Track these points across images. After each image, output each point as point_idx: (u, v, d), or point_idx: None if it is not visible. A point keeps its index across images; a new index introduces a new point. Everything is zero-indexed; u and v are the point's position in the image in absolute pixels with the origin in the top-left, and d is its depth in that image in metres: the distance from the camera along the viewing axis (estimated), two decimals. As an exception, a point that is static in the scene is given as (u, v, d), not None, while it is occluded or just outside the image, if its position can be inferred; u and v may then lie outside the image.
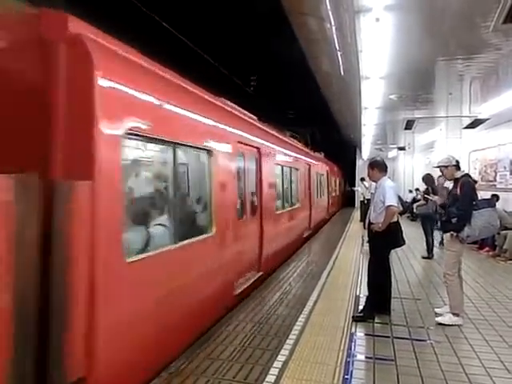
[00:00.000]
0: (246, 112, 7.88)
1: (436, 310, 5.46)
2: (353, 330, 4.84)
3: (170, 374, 3.71)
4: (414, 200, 14.66)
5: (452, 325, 4.97)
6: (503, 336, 4.67)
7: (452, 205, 5.20)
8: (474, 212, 4.91)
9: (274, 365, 3.88)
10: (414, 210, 12.69)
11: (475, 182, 5.67)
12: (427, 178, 9.46)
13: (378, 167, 5.50)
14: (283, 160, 10.08)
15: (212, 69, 14.89)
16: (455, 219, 5.06)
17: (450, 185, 5.94)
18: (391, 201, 5.09)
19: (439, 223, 8.37)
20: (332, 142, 27.46)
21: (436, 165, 5.63)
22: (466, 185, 5.10)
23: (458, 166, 5.35)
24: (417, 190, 15.71)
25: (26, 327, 2.55)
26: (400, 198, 6.67)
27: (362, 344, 4.47)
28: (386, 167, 5.58)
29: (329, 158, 22.29)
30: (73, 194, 2.79)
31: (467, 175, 5.35)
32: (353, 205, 27.45)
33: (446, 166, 5.36)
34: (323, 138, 25.26)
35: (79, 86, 3.00)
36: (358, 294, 6.35)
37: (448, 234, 5.23)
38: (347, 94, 12.16)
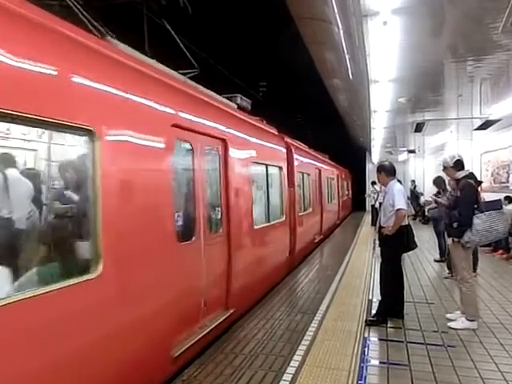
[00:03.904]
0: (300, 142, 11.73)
1: (447, 315, 5.36)
2: (366, 334, 4.82)
3: (183, 381, 3.72)
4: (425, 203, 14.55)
5: (466, 329, 4.90)
6: (519, 340, 4.60)
7: (454, 208, 5.05)
8: (475, 216, 4.73)
9: (287, 371, 3.87)
10: (426, 213, 12.60)
11: (480, 182, 5.44)
12: (437, 181, 9.38)
13: (386, 171, 5.47)
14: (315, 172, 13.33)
15: (221, 74, 15.01)
16: (456, 223, 4.91)
17: None
18: (400, 204, 5.05)
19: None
20: (342, 146, 27.45)
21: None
22: (467, 187, 4.90)
23: (458, 167, 5.10)
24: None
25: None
26: (411, 201, 6.63)
27: (375, 349, 4.44)
28: (394, 171, 5.53)
29: (338, 163, 22.34)
30: None
31: (469, 176, 5.08)
32: (363, 209, 27.35)
33: (445, 167, 5.23)
34: (333, 142, 25.16)
35: None
36: (370, 298, 6.32)
37: (450, 239, 5.10)
38: (356, 97, 12.12)
